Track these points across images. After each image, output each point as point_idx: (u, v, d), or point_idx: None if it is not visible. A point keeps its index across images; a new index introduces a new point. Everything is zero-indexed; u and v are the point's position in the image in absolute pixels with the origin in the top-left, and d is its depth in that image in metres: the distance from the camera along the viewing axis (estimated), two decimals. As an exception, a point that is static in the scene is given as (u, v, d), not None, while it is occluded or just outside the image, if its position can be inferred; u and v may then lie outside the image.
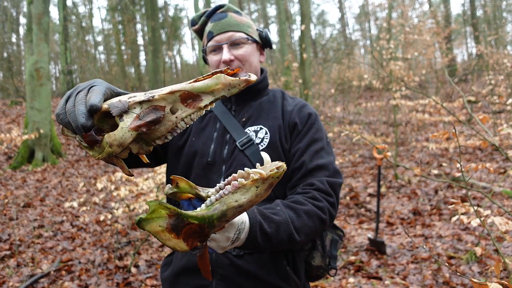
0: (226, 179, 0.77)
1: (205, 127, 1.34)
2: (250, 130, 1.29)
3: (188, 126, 0.70)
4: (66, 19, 17.58)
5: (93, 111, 0.66)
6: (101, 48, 30.23)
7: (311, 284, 3.39)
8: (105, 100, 0.70)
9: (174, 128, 0.68)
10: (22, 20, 23.04)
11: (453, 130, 1.74)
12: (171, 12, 27.89)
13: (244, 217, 0.93)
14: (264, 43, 1.42)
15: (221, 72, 0.67)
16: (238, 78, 0.66)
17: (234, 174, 0.76)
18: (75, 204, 4.28)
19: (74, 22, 23.33)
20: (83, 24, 24.37)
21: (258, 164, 0.75)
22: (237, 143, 1.26)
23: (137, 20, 24.13)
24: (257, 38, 1.38)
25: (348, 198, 5.90)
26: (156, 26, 15.55)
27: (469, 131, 7.37)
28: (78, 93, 0.71)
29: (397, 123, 7.69)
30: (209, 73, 0.68)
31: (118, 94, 0.75)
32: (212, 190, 0.80)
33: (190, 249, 0.74)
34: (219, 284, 1.20)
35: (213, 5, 1.36)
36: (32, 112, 8.95)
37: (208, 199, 0.75)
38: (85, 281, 3.59)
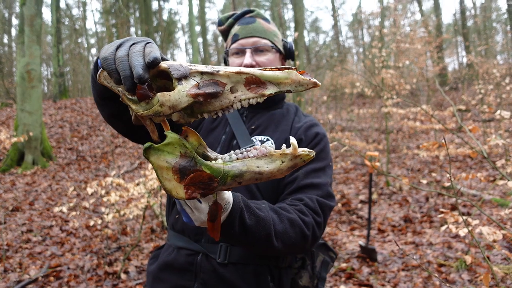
0: (245, 149, 0.75)
1: (214, 129, 1.34)
2: (256, 139, 1.28)
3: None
4: (59, 21, 17.48)
5: (153, 65, 0.65)
6: (94, 50, 30.09)
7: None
8: None
9: (228, 106, 0.68)
10: (14, 21, 22.87)
11: (443, 140, 1.76)
12: (165, 16, 27.89)
13: (230, 199, 0.90)
14: (287, 54, 1.42)
15: (291, 69, 0.67)
16: (308, 79, 0.66)
17: (256, 146, 0.74)
18: (64, 208, 4.22)
19: (67, 24, 23.20)
20: (76, 27, 24.26)
21: (284, 146, 0.73)
22: None
23: (131, 24, 24.08)
24: (281, 48, 1.38)
25: (340, 204, 5.91)
26: (150, 30, 15.54)
27: (459, 139, 7.46)
28: (132, 44, 0.70)
29: (388, 130, 7.76)
30: (279, 66, 0.68)
31: (163, 59, 0.73)
32: (223, 155, 0.77)
33: (187, 198, 0.70)
34: None
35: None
36: (23, 115, 8.85)
37: (227, 155, 0.72)
38: (73, 288, 3.54)
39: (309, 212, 1.11)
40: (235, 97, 0.67)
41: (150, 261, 1.34)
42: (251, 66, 1.28)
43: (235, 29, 1.36)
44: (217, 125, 1.35)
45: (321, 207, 1.13)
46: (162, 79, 0.68)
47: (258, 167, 0.69)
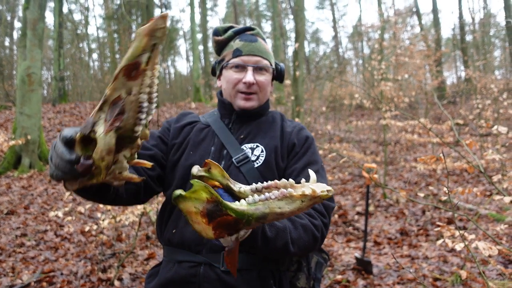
0: (265, 182, 0.79)
1: (202, 141, 1.36)
2: (246, 147, 1.31)
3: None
4: (61, 25, 17.55)
5: (68, 141, 0.70)
6: (95, 55, 30.20)
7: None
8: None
9: (139, 106, 0.70)
10: (17, 24, 22.96)
11: (441, 155, 1.77)
12: (167, 23, 27.98)
13: None
14: (277, 76, 1.46)
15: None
16: (153, 19, 0.68)
17: (276, 181, 0.77)
18: (60, 213, 4.20)
19: (69, 29, 23.31)
20: (78, 31, 24.36)
21: (303, 180, 0.77)
22: (233, 160, 1.28)
23: (133, 30, 24.21)
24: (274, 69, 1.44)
25: (336, 216, 5.90)
26: (151, 37, 15.58)
27: (456, 153, 7.48)
28: (54, 146, 0.76)
29: (386, 142, 7.78)
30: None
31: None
32: (245, 187, 0.80)
33: (215, 238, 0.75)
34: None
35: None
36: (21, 118, 8.84)
37: (251, 197, 0.76)
38: (66, 294, 3.50)
39: (317, 215, 1.18)
40: (134, 95, 0.69)
41: (148, 279, 1.34)
42: (252, 83, 1.34)
43: (237, 43, 1.38)
44: (204, 137, 1.37)
45: (326, 209, 1.21)
46: (91, 142, 0.71)
47: (279, 208, 0.73)
